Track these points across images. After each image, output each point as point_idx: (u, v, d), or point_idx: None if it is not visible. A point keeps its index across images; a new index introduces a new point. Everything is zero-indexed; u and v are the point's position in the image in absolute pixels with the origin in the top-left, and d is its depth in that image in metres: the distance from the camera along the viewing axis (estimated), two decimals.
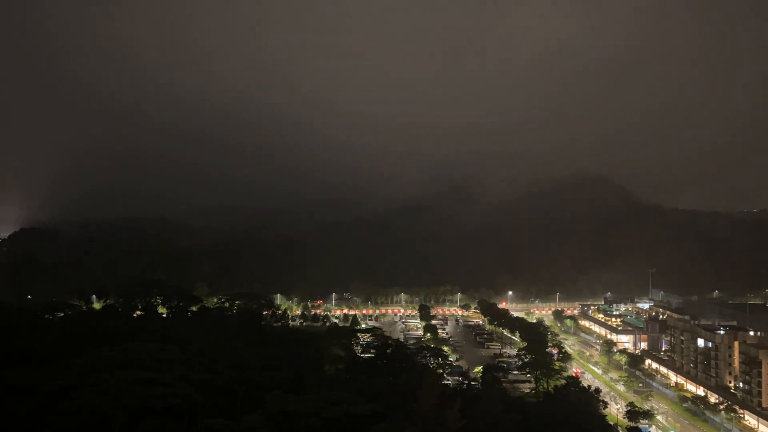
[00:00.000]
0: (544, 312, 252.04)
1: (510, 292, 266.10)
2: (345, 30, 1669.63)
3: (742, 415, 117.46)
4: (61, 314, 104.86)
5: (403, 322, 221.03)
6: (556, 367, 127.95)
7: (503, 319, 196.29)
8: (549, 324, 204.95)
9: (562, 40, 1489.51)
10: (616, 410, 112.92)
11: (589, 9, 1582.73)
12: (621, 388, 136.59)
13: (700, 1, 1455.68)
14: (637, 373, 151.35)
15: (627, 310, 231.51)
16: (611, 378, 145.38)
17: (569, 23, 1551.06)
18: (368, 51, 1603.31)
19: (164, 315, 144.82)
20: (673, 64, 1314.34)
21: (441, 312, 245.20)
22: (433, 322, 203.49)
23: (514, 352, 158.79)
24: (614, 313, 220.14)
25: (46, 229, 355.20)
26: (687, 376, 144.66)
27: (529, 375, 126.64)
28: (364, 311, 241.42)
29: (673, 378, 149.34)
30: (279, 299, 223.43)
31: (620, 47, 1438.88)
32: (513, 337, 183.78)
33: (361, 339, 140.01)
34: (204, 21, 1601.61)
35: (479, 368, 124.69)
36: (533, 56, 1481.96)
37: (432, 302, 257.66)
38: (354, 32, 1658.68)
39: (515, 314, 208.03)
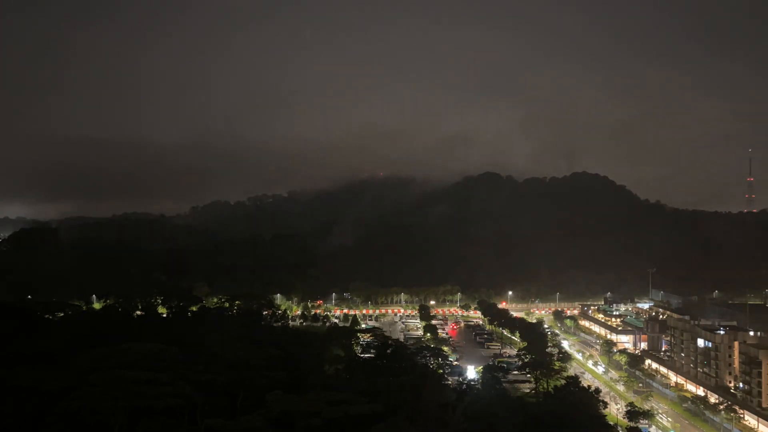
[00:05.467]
0: (544, 312, 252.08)
1: (510, 292, 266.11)
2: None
3: (742, 416, 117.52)
4: (61, 314, 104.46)
5: (403, 322, 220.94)
6: (556, 367, 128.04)
7: (503, 319, 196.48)
8: (549, 324, 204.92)
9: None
10: (616, 410, 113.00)
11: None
12: (621, 388, 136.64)
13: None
14: (637, 373, 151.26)
15: (627, 310, 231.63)
16: (611, 378, 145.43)
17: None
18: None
19: (164, 315, 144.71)
20: (674, 65, 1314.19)
21: (441, 312, 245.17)
22: (433, 322, 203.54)
23: (514, 352, 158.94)
24: (614, 313, 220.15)
25: (46, 229, 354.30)
26: (687, 376, 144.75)
27: (529, 375, 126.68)
28: (364, 311, 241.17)
29: (673, 378, 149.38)
30: (279, 299, 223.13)
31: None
32: (513, 337, 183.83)
33: (361, 339, 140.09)
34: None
35: (479, 368, 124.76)
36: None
37: (432, 302, 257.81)
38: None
39: (515, 314, 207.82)
